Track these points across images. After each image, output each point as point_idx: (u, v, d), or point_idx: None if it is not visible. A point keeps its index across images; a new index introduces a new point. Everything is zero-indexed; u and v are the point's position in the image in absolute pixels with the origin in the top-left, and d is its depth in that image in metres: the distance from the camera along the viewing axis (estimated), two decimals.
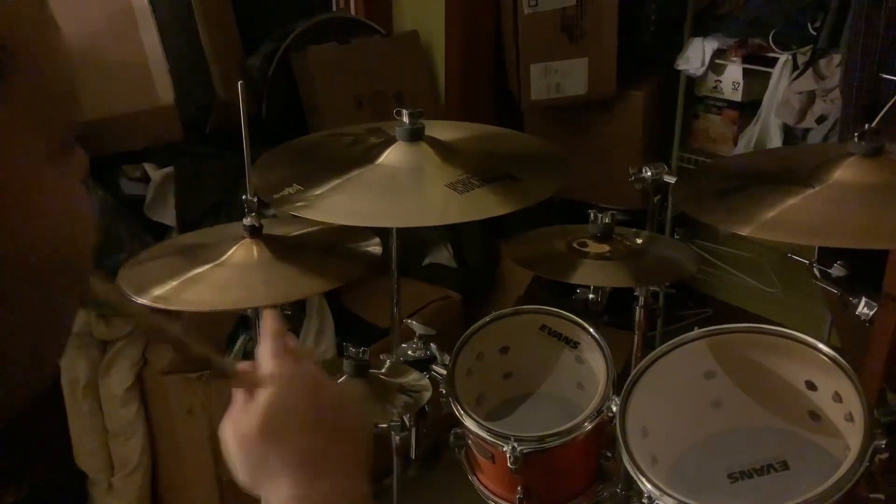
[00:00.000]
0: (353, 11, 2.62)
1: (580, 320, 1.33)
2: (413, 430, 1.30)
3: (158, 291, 1.16)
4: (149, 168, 2.00)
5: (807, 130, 2.25)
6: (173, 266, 1.21)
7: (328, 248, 1.31)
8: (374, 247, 1.30)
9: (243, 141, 1.24)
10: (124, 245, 1.82)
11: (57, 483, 2.02)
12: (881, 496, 1.02)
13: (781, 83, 2.26)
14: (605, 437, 1.25)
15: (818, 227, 1.09)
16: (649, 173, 1.42)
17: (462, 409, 1.24)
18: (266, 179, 1.28)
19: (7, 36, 0.36)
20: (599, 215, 1.37)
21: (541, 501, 1.26)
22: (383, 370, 1.33)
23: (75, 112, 0.42)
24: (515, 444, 1.18)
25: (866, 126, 1.14)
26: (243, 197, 1.26)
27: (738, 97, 2.42)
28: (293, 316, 1.70)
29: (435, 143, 1.28)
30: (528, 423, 1.30)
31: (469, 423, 1.24)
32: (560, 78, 2.44)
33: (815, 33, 2.17)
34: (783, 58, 2.26)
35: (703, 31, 2.43)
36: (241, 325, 1.93)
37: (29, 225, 0.38)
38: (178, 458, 2.03)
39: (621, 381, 1.19)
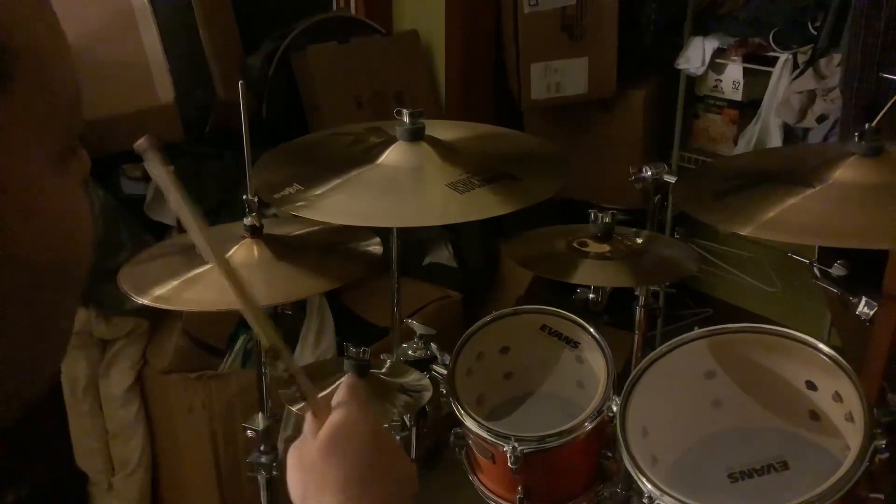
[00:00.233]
0: (353, 11, 2.62)
1: (580, 320, 1.32)
2: (413, 430, 1.30)
3: (158, 291, 1.16)
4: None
5: (807, 130, 2.25)
6: (173, 266, 1.21)
7: (328, 247, 1.30)
8: (375, 247, 1.30)
9: (243, 141, 1.24)
10: (124, 245, 1.82)
11: (57, 483, 2.02)
12: (881, 496, 1.02)
13: (782, 83, 2.26)
14: (605, 437, 1.25)
15: (818, 227, 1.09)
16: (649, 173, 1.42)
17: (462, 408, 1.24)
18: (266, 179, 1.28)
19: (8, 38, 0.36)
20: (600, 215, 1.37)
21: (541, 501, 1.26)
22: (384, 370, 1.33)
23: (79, 115, 0.41)
24: (516, 444, 1.18)
25: (866, 126, 1.14)
26: (244, 197, 1.25)
27: (738, 97, 2.42)
28: (293, 316, 1.70)
29: (435, 143, 1.27)
30: (528, 423, 1.30)
31: (469, 423, 1.23)
32: (560, 77, 2.44)
33: (815, 33, 2.17)
34: (783, 57, 2.26)
35: (703, 30, 2.43)
36: (241, 325, 1.93)
37: (29, 226, 0.38)
38: (178, 458, 2.03)
39: (621, 381, 1.19)
